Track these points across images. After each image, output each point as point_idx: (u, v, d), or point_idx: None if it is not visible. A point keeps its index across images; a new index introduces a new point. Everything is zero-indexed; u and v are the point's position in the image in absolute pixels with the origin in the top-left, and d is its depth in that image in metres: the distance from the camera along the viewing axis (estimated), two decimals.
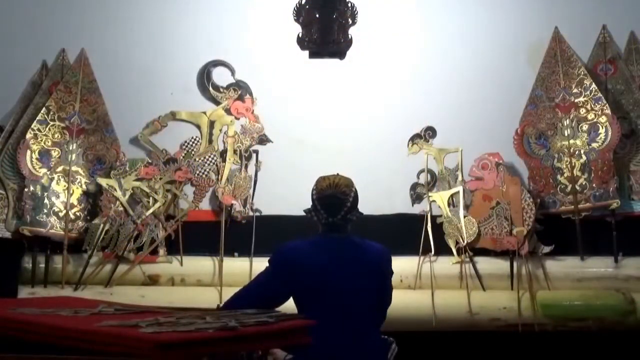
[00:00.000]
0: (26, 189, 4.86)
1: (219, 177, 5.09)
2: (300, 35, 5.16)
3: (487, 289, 4.89)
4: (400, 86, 5.22)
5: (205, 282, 4.94)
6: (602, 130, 4.99)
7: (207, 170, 5.11)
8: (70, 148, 4.99)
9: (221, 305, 3.54)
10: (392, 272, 3.56)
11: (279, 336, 2.76)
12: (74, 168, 4.97)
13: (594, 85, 5.05)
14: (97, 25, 5.17)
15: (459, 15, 5.28)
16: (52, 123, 4.97)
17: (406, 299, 4.81)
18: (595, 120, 5.02)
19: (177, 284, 4.96)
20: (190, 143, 5.13)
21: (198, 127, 5.16)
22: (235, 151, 5.14)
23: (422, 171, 5.15)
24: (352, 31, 5.18)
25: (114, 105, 5.10)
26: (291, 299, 3.42)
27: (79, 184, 4.97)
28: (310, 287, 3.31)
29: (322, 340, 3.08)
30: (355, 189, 3.49)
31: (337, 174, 3.52)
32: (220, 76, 5.21)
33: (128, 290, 4.80)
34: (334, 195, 3.40)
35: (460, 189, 5.05)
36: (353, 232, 3.51)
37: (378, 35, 5.23)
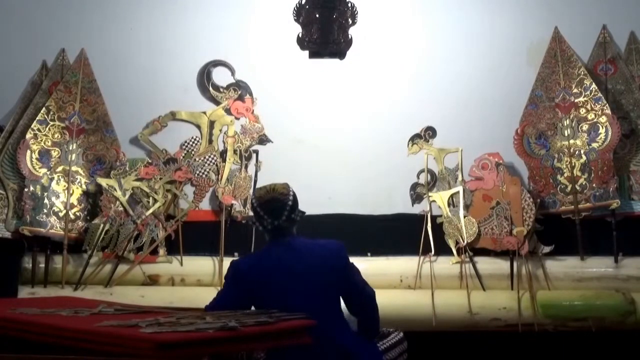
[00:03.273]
0: (26, 189, 4.86)
1: (219, 177, 5.09)
2: (300, 35, 5.15)
3: (487, 289, 4.89)
4: (400, 86, 5.22)
5: (205, 282, 4.93)
6: (602, 130, 4.99)
7: (207, 170, 5.11)
8: (70, 148, 4.99)
9: None
10: (351, 265, 3.58)
11: (278, 336, 2.76)
12: (74, 168, 4.97)
13: (594, 85, 5.04)
14: (97, 25, 5.17)
15: (458, 15, 5.28)
16: (52, 123, 4.97)
17: (406, 299, 4.82)
18: (595, 120, 5.02)
19: (177, 284, 4.96)
20: (190, 143, 5.13)
21: (198, 127, 5.16)
22: (235, 151, 5.14)
23: (422, 171, 5.15)
24: (352, 31, 5.17)
25: (114, 105, 5.09)
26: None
27: (79, 184, 4.97)
28: (261, 295, 3.38)
29: None
30: (293, 191, 3.57)
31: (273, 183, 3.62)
32: (220, 76, 5.20)
33: (128, 290, 4.80)
34: (274, 199, 3.51)
35: (460, 189, 5.05)
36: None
37: (378, 35, 5.23)
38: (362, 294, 3.57)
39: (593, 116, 5.03)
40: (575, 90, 5.08)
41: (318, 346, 3.23)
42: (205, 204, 5.10)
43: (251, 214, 3.60)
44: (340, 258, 3.53)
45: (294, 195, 3.54)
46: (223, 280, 4.72)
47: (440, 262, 4.94)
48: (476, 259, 4.94)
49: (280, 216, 3.47)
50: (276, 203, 3.49)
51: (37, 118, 4.94)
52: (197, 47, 5.20)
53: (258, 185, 3.62)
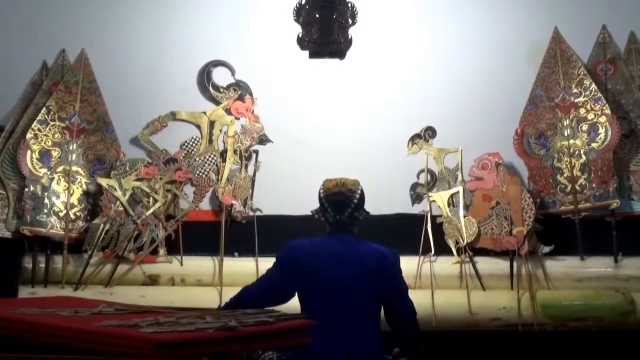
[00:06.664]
0: (26, 189, 4.86)
1: (219, 177, 5.09)
2: (300, 35, 5.15)
3: (487, 288, 4.89)
4: (400, 86, 5.22)
5: (205, 282, 4.93)
6: (601, 130, 4.99)
7: (207, 170, 5.11)
8: (71, 148, 4.99)
9: (228, 300, 3.57)
10: (400, 278, 3.60)
11: (279, 336, 2.76)
12: (74, 168, 4.97)
13: (593, 85, 5.04)
14: (97, 25, 5.17)
15: (458, 15, 5.28)
16: (52, 123, 4.97)
17: None
18: (595, 120, 5.02)
19: (177, 284, 4.96)
20: (190, 143, 5.13)
21: (198, 127, 5.16)
22: (235, 151, 5.14)
23: (422, 171, 5.15)
24: (352, 31, 5.18)
25: (114, 105, 5.09)
26: (296, 297, 3.47)
27: (79, 184, 4.97)
28: (313, 283, 3.39)
29: (318, 337, 3.11)
30: (362, 189, 3.61)
31: (344, 177, 3.62)
32: (220, 76, 5.21)
33: (128, 290, 4.80)
34: (340, 193, 3.52)
35: (460, 189, 5.05)
36: (361, 234, 3.58)
37: (378, 35, 5.23)
38: (400, 308, 3.58)
39: (593, 116, 5.03)
40: (575, 90, 5.08)
41: (342, 348, 3.31)
42: (205, 204, 5.10)
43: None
44: (391, 265, 3.57)
45: (362, 194, 3.58)
46: (223, 280, 4.82)
47: (440, 262, 4.94)
48: (476, 259, 4.94)
49: (343, 212, 3.51)
50: (342, 198, 3.52)
51: (38, 118, 4.95)
52: (197, 47, 5.21)
53: (327, 176, 3.67)
